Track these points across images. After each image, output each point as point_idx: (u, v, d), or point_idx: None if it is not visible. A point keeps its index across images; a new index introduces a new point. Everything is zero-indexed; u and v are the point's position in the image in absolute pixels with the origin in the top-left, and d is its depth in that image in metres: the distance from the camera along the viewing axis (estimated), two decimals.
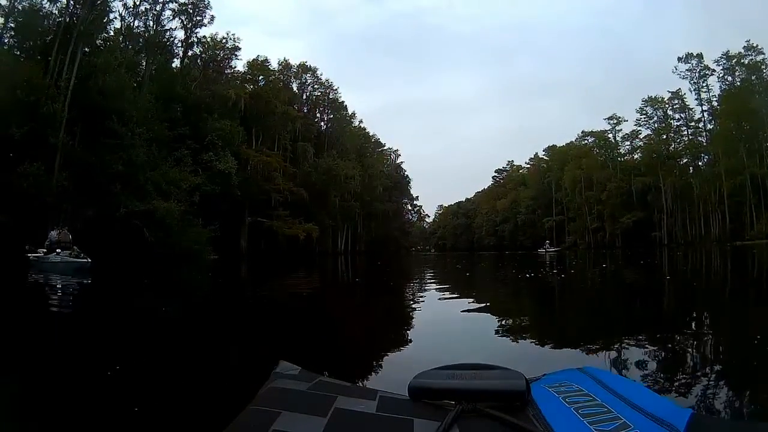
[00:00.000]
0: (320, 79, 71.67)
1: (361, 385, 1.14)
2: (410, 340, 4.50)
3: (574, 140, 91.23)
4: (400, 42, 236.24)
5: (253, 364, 3.45)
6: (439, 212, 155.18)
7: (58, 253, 16.06)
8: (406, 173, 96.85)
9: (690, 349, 3.85)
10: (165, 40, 44.73)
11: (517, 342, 4.37)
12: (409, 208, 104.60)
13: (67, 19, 32.75)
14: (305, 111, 68.42)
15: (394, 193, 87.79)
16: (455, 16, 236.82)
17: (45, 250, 16.59)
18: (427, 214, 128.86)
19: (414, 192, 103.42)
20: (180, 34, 47.38)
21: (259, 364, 3.22)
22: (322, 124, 73.11)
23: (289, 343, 4.43)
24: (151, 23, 43.20)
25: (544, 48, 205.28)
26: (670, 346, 3.92)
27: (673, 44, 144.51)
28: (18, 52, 32.36)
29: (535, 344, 4.25)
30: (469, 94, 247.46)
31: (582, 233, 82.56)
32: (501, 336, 4.67)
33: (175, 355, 3.88)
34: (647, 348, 3.78)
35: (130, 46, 41.07)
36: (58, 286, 10.68)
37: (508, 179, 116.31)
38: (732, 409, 2.36)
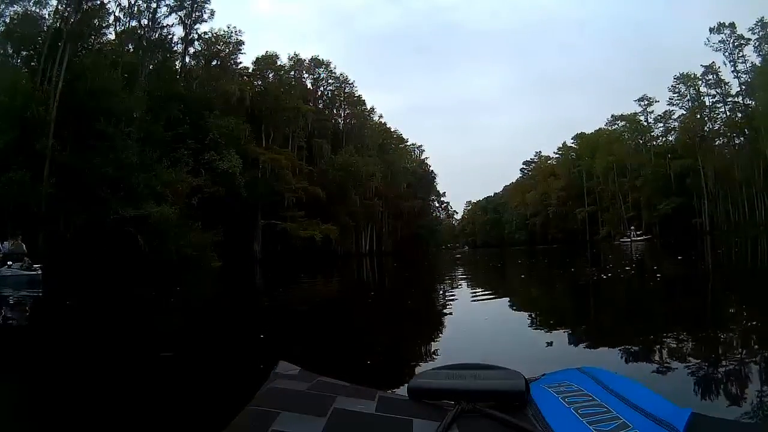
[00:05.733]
0: (334, 73, 69.61)
1: (360, 385, 1.05)
2: None
3: (603, 125, 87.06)
4: (421, 41, 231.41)
5: (252, 364, 3.38)
6: (468, 208, 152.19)
7: (9, 266, 15.19)
8: (431, 169, 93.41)
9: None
10: (162, 37, 43.23)
11: None
12: (437, 205, 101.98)
13: (58, 24, 31.65)
14: (320, 107, 66.39)
15: (419, 190, 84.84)
16: (475, 12, 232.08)
17: None
18: (455, 211, 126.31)
19: (441, 189, 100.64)
20: (179, 31, 45.81)
21: (259, 364, 3.15)
22: (339, 120, 71.05)
23: None
24: (146, 21, 41.73)
25: (567, 40, 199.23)
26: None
27: (699, 26, 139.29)
28: (12, 60, 31.45)
29: None
30: (493, 90, 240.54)
31: (617, 223, 78.44)
32: None
33: (175, 356, 3.86)
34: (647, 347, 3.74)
35: (131, 48, 39.77)
36: (10, 300, 10.52)
37: (537, 171, 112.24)
38: (732, 409, 2.33)
